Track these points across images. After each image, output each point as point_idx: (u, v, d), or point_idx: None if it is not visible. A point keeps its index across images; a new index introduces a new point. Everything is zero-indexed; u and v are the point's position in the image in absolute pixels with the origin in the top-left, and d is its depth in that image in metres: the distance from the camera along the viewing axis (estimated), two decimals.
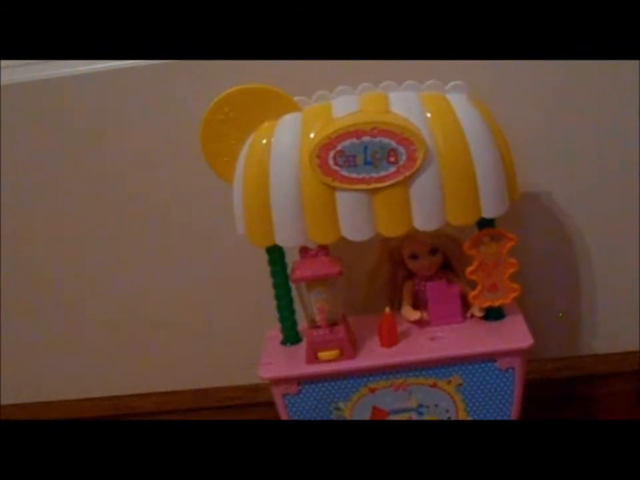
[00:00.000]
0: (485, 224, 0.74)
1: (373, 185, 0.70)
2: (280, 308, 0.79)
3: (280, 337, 0.81)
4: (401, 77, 0.72)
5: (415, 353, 0.75)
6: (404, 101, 0.71)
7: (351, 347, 0.76)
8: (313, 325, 0.77)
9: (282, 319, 0.80)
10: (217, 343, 0.97)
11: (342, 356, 0.75)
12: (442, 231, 0.75)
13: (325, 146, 0.69)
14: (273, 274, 0.78)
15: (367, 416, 0.77)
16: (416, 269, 0.80)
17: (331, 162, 0.69)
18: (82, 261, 0.96)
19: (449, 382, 0.75)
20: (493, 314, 0.78)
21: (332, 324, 0.76)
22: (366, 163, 0.69)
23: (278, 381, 0.76)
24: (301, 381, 0.76)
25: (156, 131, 0.89)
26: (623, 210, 0.87)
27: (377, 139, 0.69)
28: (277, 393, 0.76)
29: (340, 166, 0.69)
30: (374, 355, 0.76)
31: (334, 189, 0.70)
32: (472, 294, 0.76)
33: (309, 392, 0.76)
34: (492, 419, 0.76)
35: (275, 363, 0.78)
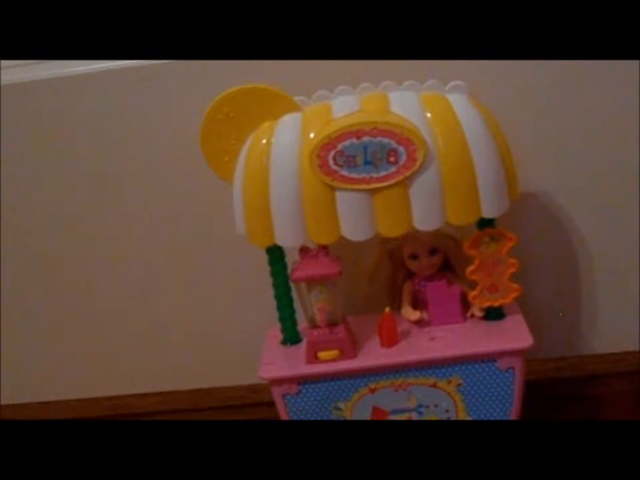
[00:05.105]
0: (485, 224, 0.74)
1: (373, 185, 0.69)
2: (280, 308, 0.79)
3: (280, 336, 0.81)
4: (401, 77, 0.72)
5: (415, 353, 0.75)
6: (404, 100, 0.71)
7: (351, 346, 0.76)
8: (313, 324, 0.77)
9: (282, 319, 0.80)
10: (217, 342, 0.97)
11: (342, 356, 0.75)
12: (442, 231, 0.75)
13: (325, 146, 0.69)
14: (273, 274, 0.78)
15: (367, 416, 0.77)
16: (416, 269, 0.80)
17: (331, 162, 0.69)
18: (81, 261, 0.96)
19: (449, 382, 0.75)
20: (493, 314, 0.78)
21: (332, 324, 0.76)
22: (366, 162, 0.69)
23: (278, 381, 0.76)
24: (301, 381, 0.76)
25: (156, 131, 0.89)
26: (622, 210, 0.87)
27: (377, 139, 0.69)
28: (277, 393, 0.76)
29: (340, 166, 0.69)
30: (374, 355, 0.76)
31: (334, 188, 0.70)
32: (472, 294, 0.76)
33: (309, 392, 0.76)
34: (492, 418, 0.76)
35: (275, 363, 0.78)
